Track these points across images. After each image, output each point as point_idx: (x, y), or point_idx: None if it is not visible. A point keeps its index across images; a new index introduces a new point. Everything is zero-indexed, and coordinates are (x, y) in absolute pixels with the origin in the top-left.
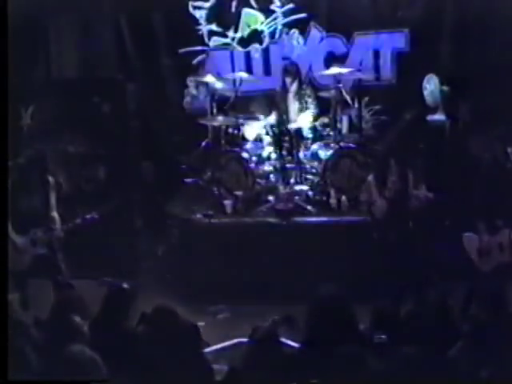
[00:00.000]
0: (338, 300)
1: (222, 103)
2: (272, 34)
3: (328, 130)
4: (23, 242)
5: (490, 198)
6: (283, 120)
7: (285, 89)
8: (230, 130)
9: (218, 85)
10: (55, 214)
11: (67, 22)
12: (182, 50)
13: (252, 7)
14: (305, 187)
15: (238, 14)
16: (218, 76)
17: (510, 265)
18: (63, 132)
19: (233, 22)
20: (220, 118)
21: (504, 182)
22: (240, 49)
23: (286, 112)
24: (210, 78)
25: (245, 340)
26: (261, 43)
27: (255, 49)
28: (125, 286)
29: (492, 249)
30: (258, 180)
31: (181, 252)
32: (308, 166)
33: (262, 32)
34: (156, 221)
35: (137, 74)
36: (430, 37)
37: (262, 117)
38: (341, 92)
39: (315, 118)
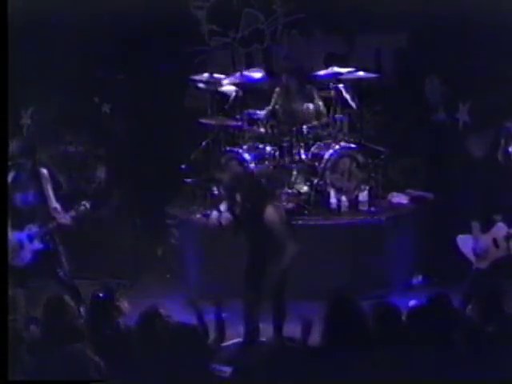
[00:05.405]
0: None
1: (222, 103)
2: (273, 34)
3: (328, 129)
4: (19, 239)
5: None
6: (283, 120)
7: (286, 88)
8: (231, 130)
9: (219, 85)
10: (56, 208)
11: (67, 21)
12: (183, 50)
13: (253, 7)
14: (305, 187)
15: (239, 14)
16: (219, 76)
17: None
18: (63, 132)
19: (234, 22)
20: (221, 117)
21: (504, 182)
22: (241, 49)
23: (287, 112)
24: (210, 78)
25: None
26: (262, 43)
27: (256, 49)
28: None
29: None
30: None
31: (180, 252)
32: (308, 166)
33: (262, 32)
34: (155, 221)
35: (138, 73)
36: (430, 36)
37: (262, 116)
38: (341, 92)
39: (316, 118)
